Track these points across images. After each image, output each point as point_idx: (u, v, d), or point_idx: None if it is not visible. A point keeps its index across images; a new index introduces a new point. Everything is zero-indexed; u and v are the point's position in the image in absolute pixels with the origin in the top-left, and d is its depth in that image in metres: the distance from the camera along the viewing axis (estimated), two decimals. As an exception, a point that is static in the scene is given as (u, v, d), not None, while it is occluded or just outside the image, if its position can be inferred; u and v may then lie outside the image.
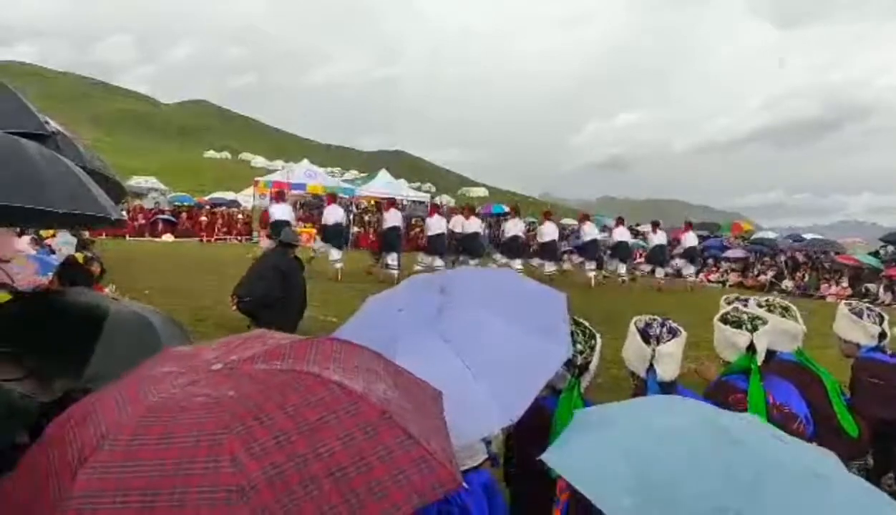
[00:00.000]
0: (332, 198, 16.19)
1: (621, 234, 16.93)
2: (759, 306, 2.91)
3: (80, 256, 9.01)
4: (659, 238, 17.21)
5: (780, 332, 2.75)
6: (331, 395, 1.05)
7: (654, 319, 2.34)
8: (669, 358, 2.23)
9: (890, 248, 21.05)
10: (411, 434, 1.03)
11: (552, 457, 1.36)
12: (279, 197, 16.01)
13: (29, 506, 1.00)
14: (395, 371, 1.24)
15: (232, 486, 0.90)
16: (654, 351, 2.22)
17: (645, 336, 2.27)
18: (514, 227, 15.42)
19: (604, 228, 19.36)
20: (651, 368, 2.21)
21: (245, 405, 1.01)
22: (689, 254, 18.05)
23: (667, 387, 2.20)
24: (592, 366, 2.25)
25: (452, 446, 1.16)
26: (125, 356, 2.35)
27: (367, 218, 26.07)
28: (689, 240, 17.95)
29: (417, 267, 13.78)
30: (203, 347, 1.30)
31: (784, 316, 2.83)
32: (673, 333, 2.28)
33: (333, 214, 14.47)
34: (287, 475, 0.92)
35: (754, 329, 2.51)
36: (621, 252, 16.79)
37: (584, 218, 18.19)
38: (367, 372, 1.16)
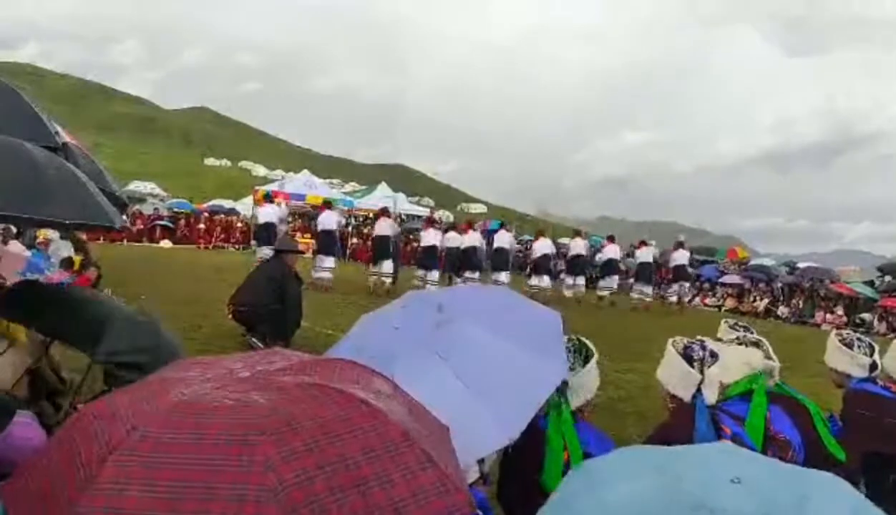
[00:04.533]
0: (328, 205, 15.45)
1: (610, 252, 16.97)
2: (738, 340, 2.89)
3: (76, 259, 9.01)
4: (645, 255, 17.12)
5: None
6: (357, 412, 1.08)
7: (693, 341, 2.36)
8: (716, 383, 2.26)
9: (887, 278, 21.10)
10: (431, 457, 1.07)
11: None
12: (266, 199, 15.62)
13: (51, 495, 1.00)
14: (409, 400, 1.28)
15: (264, 486, 0.92)
16: (704, 375, 2.24)
17: (688, 359, 2.28)
18: (500, 239, 15.42)
19: (601, 248, 19.42)
20: (699, 391, 2.23)
21: (276, 410, 1.03)
22: (680, 273, 17.89)
23: (711, 410, 2.22)
24: (583, 383, 2.23)
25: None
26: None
27: (365, 230, 26.07)
28: (679, 258, 17.82)
29: (416, 282, 13.73)
30: (224, 358, 1.32)
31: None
32: (714, 356, 2.30)
33: (327, 221, 13.96)
34: (316, 481, 0.95)
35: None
36: (610, 270, 16.78)
37: (577, 234, 18.30)
38: (386, 398, 1.19)
